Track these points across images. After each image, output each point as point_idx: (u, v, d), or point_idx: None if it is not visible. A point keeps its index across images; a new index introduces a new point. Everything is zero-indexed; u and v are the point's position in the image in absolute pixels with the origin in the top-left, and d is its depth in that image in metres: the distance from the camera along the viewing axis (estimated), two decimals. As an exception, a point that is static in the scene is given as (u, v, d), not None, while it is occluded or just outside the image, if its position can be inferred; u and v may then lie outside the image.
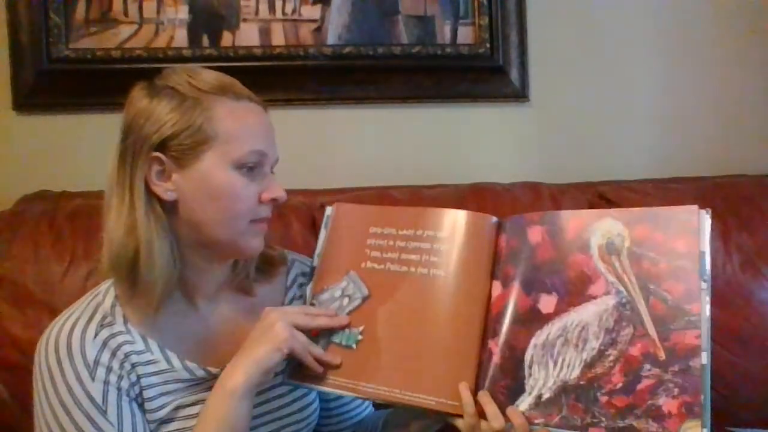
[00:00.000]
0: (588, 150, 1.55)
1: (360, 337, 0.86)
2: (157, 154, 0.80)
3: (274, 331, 0.80)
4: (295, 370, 0.86)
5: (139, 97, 0.83)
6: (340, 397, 0.99)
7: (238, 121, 0.82)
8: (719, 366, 1.27)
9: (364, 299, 0.88)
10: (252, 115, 0.84)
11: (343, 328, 0.87)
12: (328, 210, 0.96)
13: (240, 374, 0.79)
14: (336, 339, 0.87)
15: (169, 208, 0.83)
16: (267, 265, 0.94)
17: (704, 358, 0.72)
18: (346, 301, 0.89)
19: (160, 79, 0.84)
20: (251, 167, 0.83)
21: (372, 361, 0.85)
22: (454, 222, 0.87)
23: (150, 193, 0.82)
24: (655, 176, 1.48)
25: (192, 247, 0.85)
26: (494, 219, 0.87)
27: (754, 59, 1.58)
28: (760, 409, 1.28)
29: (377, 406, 1.03)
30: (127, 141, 0.82)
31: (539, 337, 0.80)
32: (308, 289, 0.92)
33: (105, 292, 0.85)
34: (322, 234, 0.94)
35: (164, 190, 0.81)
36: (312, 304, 0.90)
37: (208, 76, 0.84)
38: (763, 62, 1.58)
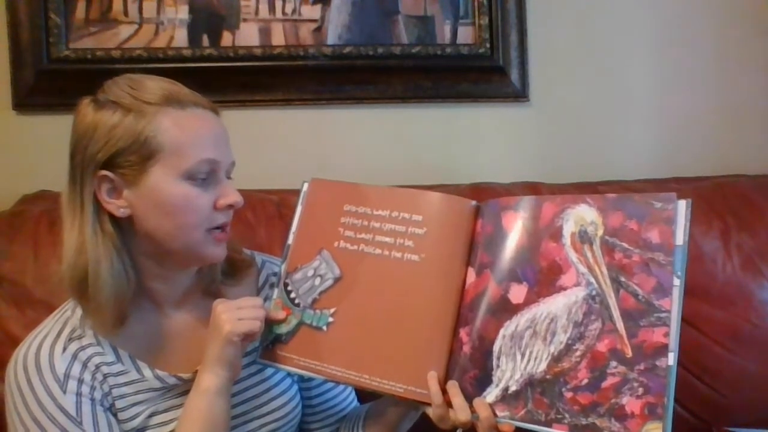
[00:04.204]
0: (588, 150, 1.55)
1: (331, 319, 0.85)
2: (105, 172, 0.80)
3: (219, 325, 0.80)
4: (266, 350, 0.87)
5: (83, 114, 0.81)
6: (322, 393, 0.99)
7: (184, 131, 0.80)
8: (719, 366, 1.28)
9: (336, 280, 0.87)
10: (199, 123, 0.82)
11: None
12: (304, 186, 0.93)
13: (208, 375, 0.80)
14: (307, 320, 0.86)
15: (125, 223, 0.82)
16: (234, 269, 0.93)
17: (671, 358, 0.70)
18: (318, 281, 0.87)
19: (102, 92, 0.82)
20: (203, 177, 0.81)
21: (342, 344, 0.84)
22: (431, 205, 0.85)
23: (101, 211, 0.81)
24: (655, 176, 1.48)
25: (153, 259, 0.84)
26: (473, 203, 0.85)
27: (753, 59, 1.58)
28: (760, 409, 1.28)
29: (362, 399, 1.02)
30: (74, 160, 0.81)
31: (508, 328, 0.78)
32: (282, 268, 0.91)
33: (74, 307, 0.85)
34: (298, 210, 0.92)
35: (116, 207, 0.81)
36: (285, 284, 0.89)
37: (152, 86, 0.81)
38: (763, 62, 1.58)
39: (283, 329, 0.88)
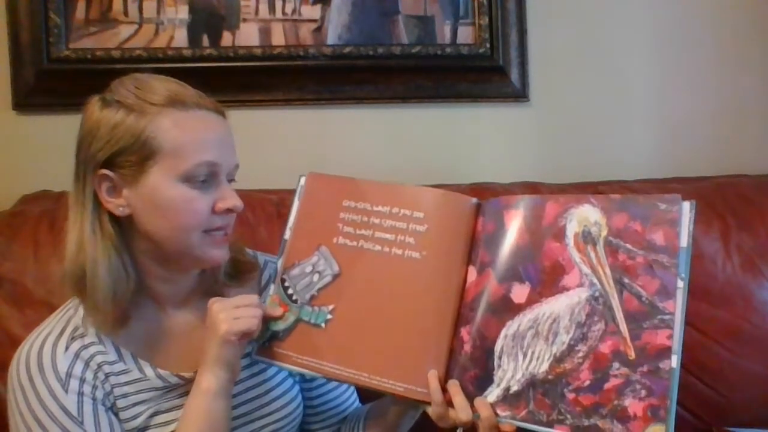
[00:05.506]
0: (588, 150, 1.55)
1: (329, 316, 0.85)
2: (105, 171, 0.80)
3: (216, 325, 0.80)
4: (263, 347, 0.87)
5: (90, 112, 0.81)
6: (324, 393, 0.99)
7: (183, 132, 0.80)
8: (719, 366, 1.28)
9: (335, 277, 0.86)
10: (201, 125, 0.81)
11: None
12: (301, 180, 0.91)
13: (208, 375, 0.80)
14: (304, 317, 0.85)
15: (126, 223, 0.82)
16: (237, 271, 0.92)
17: (674, 361, 0.70)
18: (316, 277, 0.86)
19: (110, 92, 0.82)
20: (203, 179, 0.81)
21: (340, 341, 0.83)
22: (432, 202, 0.84)
23: (101, 210, 0.81)
24: (655, 176, 1.48)
25: (153, 259, 0.84)
26: (474, 200, 0.84)
27: (753, 59, 1.58)
28: (760, 409, 1.28)
29: (364, 399, 1.02)
30: (78, 158, 0.82)
31: (510, 328, 0.78)
32: (279, 264, 0.89)
33: (77, 305, 0.85)
34: (295, 205, 0.91)
35: (116, 206, 0.81)
36: (282, 280, 0.88)
37: (157, 86, 0.81)
38: (763, 62, 1.58)
39: (280, 326, 0.87)
